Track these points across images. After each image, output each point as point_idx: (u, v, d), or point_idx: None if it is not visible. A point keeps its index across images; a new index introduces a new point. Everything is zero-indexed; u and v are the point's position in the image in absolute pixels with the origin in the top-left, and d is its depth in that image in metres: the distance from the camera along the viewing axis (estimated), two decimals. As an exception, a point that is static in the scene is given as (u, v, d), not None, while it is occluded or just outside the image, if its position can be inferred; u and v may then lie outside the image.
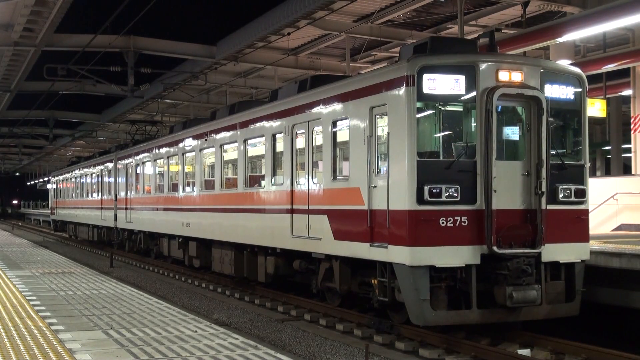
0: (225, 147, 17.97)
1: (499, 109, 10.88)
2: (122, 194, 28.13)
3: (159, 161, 23.84)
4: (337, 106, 12.56)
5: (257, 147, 16.45)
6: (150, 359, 7.84)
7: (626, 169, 28.59)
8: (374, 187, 11.32)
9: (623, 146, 29.41)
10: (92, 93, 36.77)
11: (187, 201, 20.52)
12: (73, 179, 40.07)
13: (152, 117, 42.02)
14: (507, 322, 11.02)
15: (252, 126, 16.23)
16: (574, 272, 11.18)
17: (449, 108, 11.15)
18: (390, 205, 10.78)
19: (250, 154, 16.68)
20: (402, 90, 10.62)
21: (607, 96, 25.02)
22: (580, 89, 11.65)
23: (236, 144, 17.09)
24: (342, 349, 10.95)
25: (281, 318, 14.05)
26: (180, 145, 21.27)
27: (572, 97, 11.56)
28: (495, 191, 10.49)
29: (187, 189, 20.72)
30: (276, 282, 16.13)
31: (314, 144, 13.42)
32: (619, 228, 19.63)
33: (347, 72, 24.79)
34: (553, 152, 11.15)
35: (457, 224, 10.43)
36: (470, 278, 10.44)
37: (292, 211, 13.95)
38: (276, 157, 15.17)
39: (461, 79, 10.68)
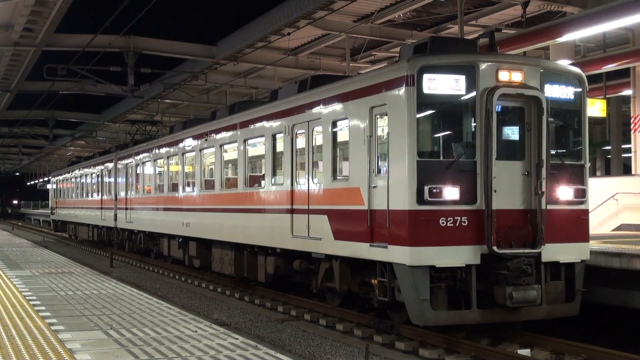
0: (225, 147, 17.96)
1: (499, 109, 10.87)
2: (122, 194, 28.13)
3: (159, 161, 23.83)
4: (337, 106, 12.56)
5: (257, 147, 16.45)
6: (150, 359, 7.84)
7: (626, 169, 28.57)
8: (374, 187, 11.31)
9: (623, 146, 29.41)
10: (92, 93, 36.75)
11: (187, 201, 20.52)
12: (73, 179, 40.05)
13: (152, 117, 42.01)
14: (507, 322, 11.02)
15: (252, 126, 16.23)
16: (574, 272, 11.18)
17: (449, 108, 11.15)
18: (390, 205, 10.78)
19: (250, 154, 16.68)
20: (402, 90, 10.62)
21: (607, 96, 25.00)
22: (580, 89, 11.65)
23: (236, 144, 17.09)
24: (342, 349, 10.95)
25: (281, 318, 14.04)
26: (180, 145, 21.27)
27: (572, 97, 11.56)
28: (495, 191, 10.48)
29: (187, 189, 20.71)
30: (276, 282, 16.12)
31: (314, 144, 13.41)
32: (619, 228, 19.61)
33: (347, 72, 24.77)
34: (553, 152, 11.15)
35: (457, 224, 10.43)
36: (470, 278, 10.44)
37: (292, 211, 13.95)
38: (276, 157, 15.17)
39: (461, 79, 10.68)
